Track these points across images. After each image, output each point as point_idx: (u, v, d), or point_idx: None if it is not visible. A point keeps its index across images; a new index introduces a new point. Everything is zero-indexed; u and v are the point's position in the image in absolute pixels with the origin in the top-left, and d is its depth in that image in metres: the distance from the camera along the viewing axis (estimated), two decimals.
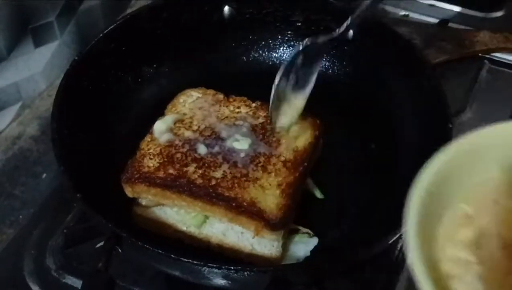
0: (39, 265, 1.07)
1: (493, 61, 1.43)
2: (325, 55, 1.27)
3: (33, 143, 1.28)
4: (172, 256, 0.84)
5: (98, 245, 1.01)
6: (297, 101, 1.09)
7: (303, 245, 1.03)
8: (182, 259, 0.84)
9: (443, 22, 1.47)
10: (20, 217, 1.15)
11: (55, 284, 1.05)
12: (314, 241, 1.03)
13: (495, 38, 1.42)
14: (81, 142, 1.05)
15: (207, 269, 0.84)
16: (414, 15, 1.53)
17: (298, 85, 1.09)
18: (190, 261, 0.84)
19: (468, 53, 1.41)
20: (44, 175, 1.23)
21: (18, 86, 1.33)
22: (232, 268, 0.84)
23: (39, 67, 1.37)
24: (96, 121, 1.11)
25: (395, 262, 1.07)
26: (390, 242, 0.94)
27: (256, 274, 0.86)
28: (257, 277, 0.86)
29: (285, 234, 0.99)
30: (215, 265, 0.83)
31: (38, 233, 1.12)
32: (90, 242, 1.03)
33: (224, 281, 0.88)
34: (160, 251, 0.84)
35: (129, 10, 1.50)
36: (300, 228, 1.04)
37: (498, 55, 1.43)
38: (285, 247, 1.01)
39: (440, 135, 1.01)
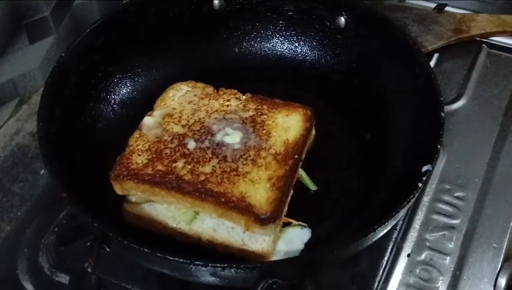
0: (32, 264, 1.07)
1: (491, 45, 1.40)
2: (318, 44, 1.26)
3: (31, 140, 1.28)
4: (158, 254, 0.83)
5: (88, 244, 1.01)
6: None
7: (297, 238, 1.01)
8: (168, 257, 0.83)
9: (440, 7, 1.45)
10: (19, 213, 1.15)
11: (48, 283, 1.05)
12: (307, 233, 1.02)
13: (493, 21, 1.40)
14: (69, 140, 1.04)
15: (194, 267, 0.83)
16: (411, 0, 1.50)
17: None
18: (176, 259, 0.83)
19: (465, 38, 1.39)
20: (43, 171, 1.22)
21: (15, 82, 1.33)
22: (219, 265, 0.82)
23: (35, 63, 1.37)
24: (85, 117, 1.11)
25: (390, 253, 1.06)
26: (384, 232, 0.93)
27: (244, 271, 0.84)
28: (245, 273, 0.85)
29: (277, 228, 0.98)
30: (201, 263, 0.82)
31: (31, 231, 1.12)
32: (82, 240, 1.02)
33: (213, 278, 0.87)
34: (146, 250, 0.83)
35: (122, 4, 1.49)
36: (293, 221, 1.02)
37: (497, 39, 1.41)
38: (277, 240, 1.00)
39: (432, 124, 1.00)
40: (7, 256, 1.09)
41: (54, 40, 1.39)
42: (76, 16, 1.44)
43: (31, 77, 1.36)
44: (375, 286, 1.02)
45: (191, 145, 1.03)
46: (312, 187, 1.09)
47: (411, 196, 0.91)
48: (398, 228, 1.08)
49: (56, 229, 1.06)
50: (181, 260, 0.82)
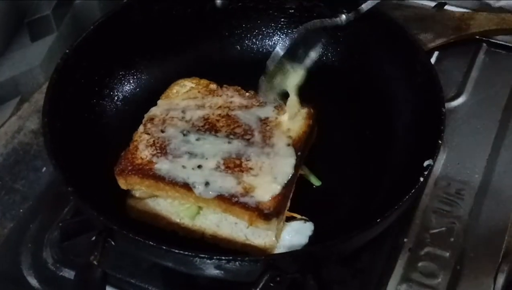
0: (36, 259, 1.08)
1: (491, 44, 1.41)
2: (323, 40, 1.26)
3: (33, 137, 1.28)
4: (164, 247, 0.84)
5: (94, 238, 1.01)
6: (294, 75, 1.08)
7: (300, 232, 1.02)
8: (174, 250, 0.84)
9: (440, 5, 1.46)
10: (21, 210, 1.16)
11: (52, 277, 1.06)
12: (310, 226, 1.02)
13: (492, 20, 1.40)
14: (74, 135, 1.04)
15: (199, 260, 0.84)
16: None
17: (298, 59, 1.09)
18: (182, 252, 0.83)
19: (465, 36, 1.40)
20: (44, 169, 1.23)
21: (16, 80, 1.33)
22: (224, 258, 0.83)
23: (36, 61, 1.37)
24: (89, 113, 1.11)
25: (392, 248, 1.07)
26: (386, 227, 0.93)
27: (248, 264, 0.85)
28: (249, 266, 0.86)
29: (280, 223, 0.99)
30: (206, 256, 0.83)
31: (35, 226, 1.12)
32: (86, 235, 1.02)
33: (217, 271, 0.87)
34: (151, 243, 0.84)
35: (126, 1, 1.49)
36: (296, 215, 1.03)
37: (496, 37, 1.41)
38: (280, 235, 1.01)
39: (433, 119, 1.01)
40: (11, 252, 1.09)
41: (55, 38, 1.39)
42: (77, 14, 1.44)
43: (32, 76, 1.36)
44: (377, 281, 1.03)
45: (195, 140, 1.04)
46: (316, 182, 1.09)
47: (413, 190, 0.92)
48: (399, 223, 1.09)
49: (60, 224, 1.07)
50: (186, 253, 0.83)
